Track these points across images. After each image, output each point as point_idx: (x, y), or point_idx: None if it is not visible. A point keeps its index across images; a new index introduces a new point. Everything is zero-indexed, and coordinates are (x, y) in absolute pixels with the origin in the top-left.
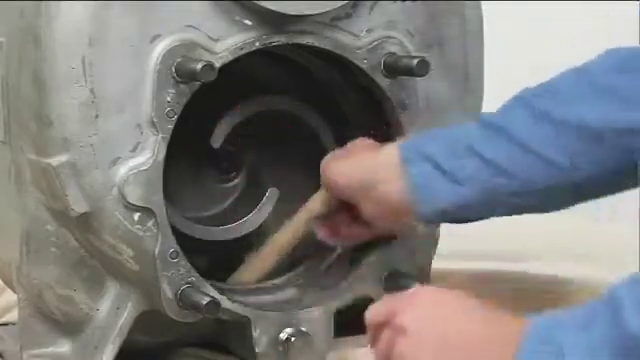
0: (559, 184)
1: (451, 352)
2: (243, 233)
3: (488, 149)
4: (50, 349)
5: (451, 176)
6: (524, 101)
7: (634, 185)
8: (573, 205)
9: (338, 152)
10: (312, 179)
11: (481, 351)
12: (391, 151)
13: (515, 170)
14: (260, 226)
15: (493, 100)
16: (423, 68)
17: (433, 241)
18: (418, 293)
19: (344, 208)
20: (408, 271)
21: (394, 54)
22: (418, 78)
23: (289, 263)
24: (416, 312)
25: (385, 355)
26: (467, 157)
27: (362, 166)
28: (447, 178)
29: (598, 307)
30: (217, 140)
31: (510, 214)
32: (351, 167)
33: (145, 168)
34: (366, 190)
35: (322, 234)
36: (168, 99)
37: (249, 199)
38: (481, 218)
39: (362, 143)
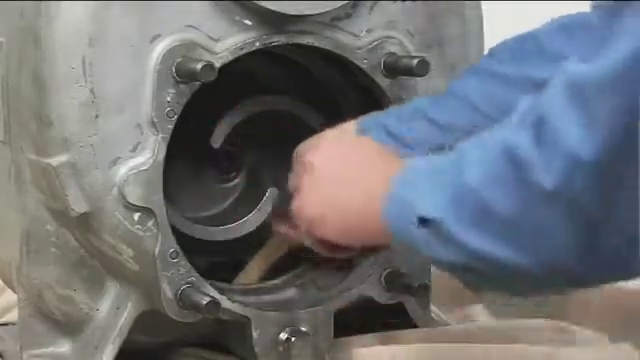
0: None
1: (338, 185)
2: (243, 233)
3: (434, 110)
4: (50, 349)
5: (401, 140)
6: (473, 69)
7: None
8: None
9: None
10: None
11: (358, 192)
12: (350, 124)
13: (462, 127)
14: (260, 226)
15: None
16: (423, 68)
17: None
18: (327, 135)
19: None
20: (408, 271)
21: (394, 54)
22: (418, 78)
23: (289, 263)
24: (322, 152)
25: (296, 187)
26: (415, 120)
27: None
28: (398, 143)
29: (449, 157)
30: (217, 140)
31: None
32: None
33: (145, 168)
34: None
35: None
36: (168, 99)
37: (249, 199)
38: None
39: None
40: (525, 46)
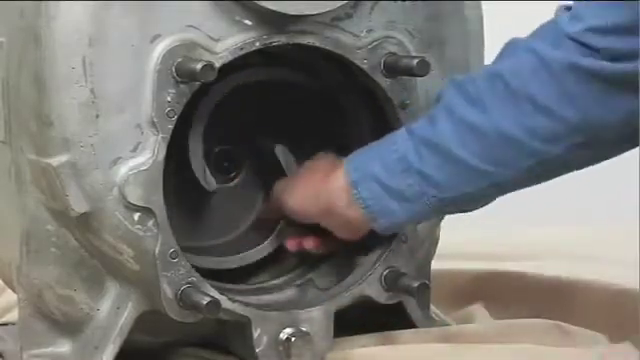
0: (497, 189)
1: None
2: None
3: (425, 166)
4: (50, 349)
5: (400, 195)
6: (449, 110)
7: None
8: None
9: (290, 179)
10: None
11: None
12: (339, 174)
13: (454, 183)
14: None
15: None
16: (423, 68)
17: (433, 241)
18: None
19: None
20: (408, 271)
21: (394, 54)
22: (419, 78)
23: (289, 263)
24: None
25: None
26: (409, 176)
27: (315, 195)
28: (397, 197)
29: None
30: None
31: (460, 212)
32: (305, 198)
33: (145, 168)
34: (324, 216)
35: (310, 246)
36: (168, 99)
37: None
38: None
39: (313, 166)
40: (494, 93)
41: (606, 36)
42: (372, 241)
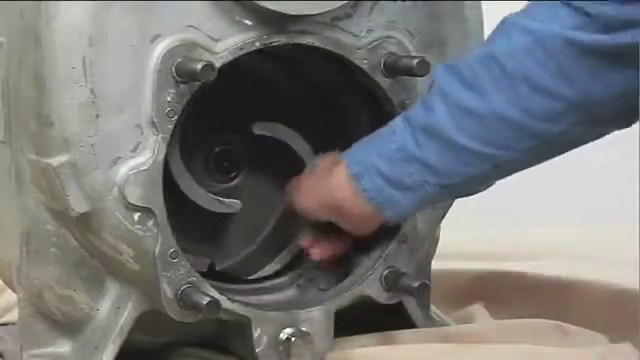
0: (500, 170)
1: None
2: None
3: (425, 153)
4: (50, 349)
5: (402, 185)
6: (445, 95)
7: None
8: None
9: (302, 176)
10: None
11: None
12: (340, 169)
13: (455, 168)
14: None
15: None
16: (423, 68)
17: (433, 241)
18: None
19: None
20: (408, 271)
21: (394, 54)
22: (419, 78)
23: (289, 263)
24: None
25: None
26: (410, 165)
27: (321, 191)
28: (399, 187)
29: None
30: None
31: (463, 197)
32: (312, 194)
33: (145, 168)
34: (332, 213)
35: (320, 255)
36: (168, 99)
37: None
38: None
39: (323, 163)
40: (490, 76)
41: (603, 3)
42: (372, 241)
